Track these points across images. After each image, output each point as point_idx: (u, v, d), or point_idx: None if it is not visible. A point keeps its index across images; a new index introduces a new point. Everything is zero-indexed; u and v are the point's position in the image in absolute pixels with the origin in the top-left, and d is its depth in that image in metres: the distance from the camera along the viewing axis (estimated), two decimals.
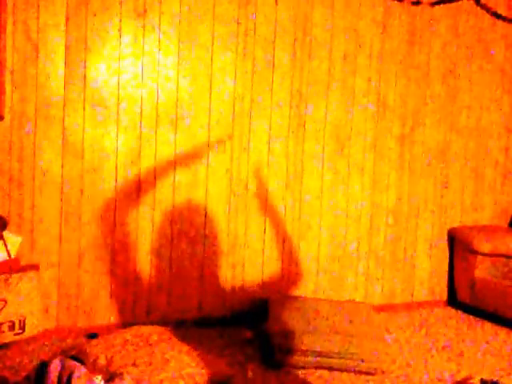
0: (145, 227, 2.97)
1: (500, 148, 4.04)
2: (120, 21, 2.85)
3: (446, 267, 3.88)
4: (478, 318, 3.55)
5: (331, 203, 3.44)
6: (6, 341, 2.51)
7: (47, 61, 2.72)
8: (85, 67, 2.79)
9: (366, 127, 3.52)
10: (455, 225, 3.88)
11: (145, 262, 2.98)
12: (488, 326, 3.42)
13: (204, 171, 3.09)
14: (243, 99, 3.16)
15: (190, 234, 3.08)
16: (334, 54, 3.38)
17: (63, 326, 2.84)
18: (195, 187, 3.08)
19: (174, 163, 3.01)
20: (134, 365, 2.22)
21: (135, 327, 2.66)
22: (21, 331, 2.54)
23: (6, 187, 2.69)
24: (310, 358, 2.56)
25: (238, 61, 3.13)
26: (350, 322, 2.71)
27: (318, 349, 2.55)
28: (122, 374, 2.02)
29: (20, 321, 2.53)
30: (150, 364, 2.24)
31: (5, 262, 2.57)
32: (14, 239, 2.64)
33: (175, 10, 2.96)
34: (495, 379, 2.50)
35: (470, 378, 2.42)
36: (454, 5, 3.72)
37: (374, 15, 3.49)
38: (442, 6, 3.68)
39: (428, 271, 3.80)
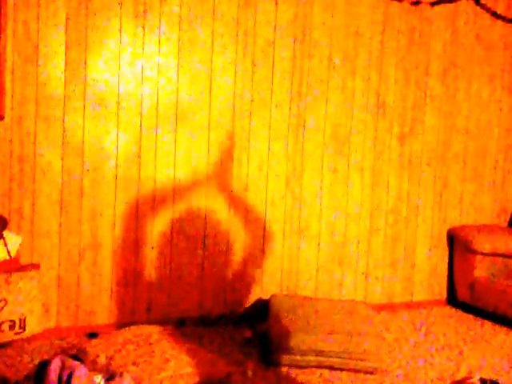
0: (145, 227, 2.98)
1: (500, 148, 4.04)
2: (120, 21, 2.85)
3: (445, 267, 3.88)
4: (477, 318, 3.56)
5: (331, 203, 3.45)
6: (7, 340, 2.52)
7: (47, 61, 2.73)
8: (85, 67, 2.80)
9: (365, 127, 3.52)
10: (455, 224, 3.89)
11: (145, 262, 2.99)
12: (487, 325, 3.42)
13: (204, 171, 3.10)
14: (243, 99, 3.17)
15: (189, 233, 3.08)
16: (333, 54, 3.39)
17: (63, 326, 2.84)
18: (195, 187, 3.08)
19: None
20: (134, 364, 2.22)
21: (135, 327, 2.67)
22: (21, 330, 2.54)
23: (6, 187, 2.70)
24: (310, 358, 2.56)
25: (237, 61, 3.14)
26: (350, 321, 2.71)
27: (318, 348, 2.55)
28: (122, 373, 2.03)
29: (20, 320, 2.54)
30: (150, 363, 2.24)
31: (5, 262, 2.58)
32: (14, 239, 2.64)
33: (175, 10, 2.97)
34: (495, 379, 2.50)
35: (470, 377, 2.42)
36: (453, 5, 3.73)
37: (374, 15, 3.49)
38: (441, 5, 3.69)
39: (428, 271, 3.81)
